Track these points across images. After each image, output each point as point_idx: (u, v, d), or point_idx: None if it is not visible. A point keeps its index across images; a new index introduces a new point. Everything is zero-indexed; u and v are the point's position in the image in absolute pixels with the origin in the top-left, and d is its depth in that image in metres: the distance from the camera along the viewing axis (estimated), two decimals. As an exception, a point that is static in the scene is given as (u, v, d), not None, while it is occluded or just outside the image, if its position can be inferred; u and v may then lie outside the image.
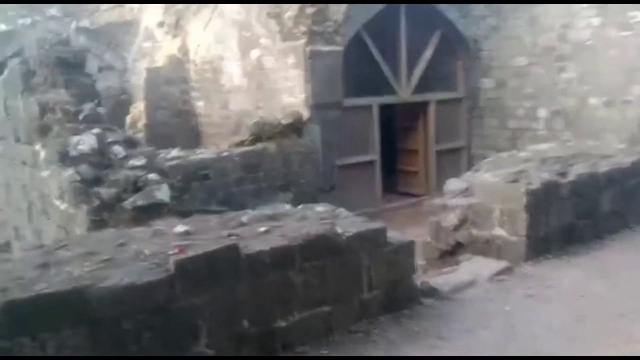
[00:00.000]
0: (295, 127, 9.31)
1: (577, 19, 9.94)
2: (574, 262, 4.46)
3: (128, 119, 12.51)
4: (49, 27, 15.08)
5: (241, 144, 8.77)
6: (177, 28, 12.60)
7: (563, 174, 4.95)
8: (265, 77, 10.20)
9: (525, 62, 10.90)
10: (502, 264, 4.38)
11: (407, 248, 3.66)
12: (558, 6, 10.15)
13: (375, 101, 10.53)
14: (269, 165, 8.85)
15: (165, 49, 12.74)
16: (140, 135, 12.06)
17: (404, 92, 11.07)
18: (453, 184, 5.35)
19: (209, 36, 11.72)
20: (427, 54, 11.34)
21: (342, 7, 9.33)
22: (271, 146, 8.87)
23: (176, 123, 12.41)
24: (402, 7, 10.66)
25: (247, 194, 8.63)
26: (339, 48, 9.40)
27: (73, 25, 15.28)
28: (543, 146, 6.45)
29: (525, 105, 11.03)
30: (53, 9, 15.11)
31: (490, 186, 4.85)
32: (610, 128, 9.68)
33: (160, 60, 12.63)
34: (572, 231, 4.88)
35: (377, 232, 3.51)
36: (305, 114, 9.31)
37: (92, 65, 15.39)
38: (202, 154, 8.31)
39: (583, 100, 10.04)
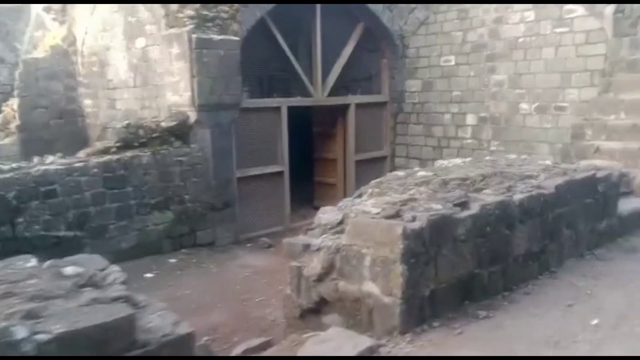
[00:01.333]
0: (180, 132, 7.77)
1: (510, 13, 8.82)
2: (468, 334, 3.15)
3: (-2, 119, 10.64)
4: None
5: (105, 151, 7.16)
6: (63, 14, 10.82)
7: (463, 204, 3.64)
8: (152, 70, 8.61)
9: (454, 62, 9.72)
10: (364, 343, 3.01)
11: (180, 346, 2.23)
12: (489, -2, 9.02)
13: (284, 102, 9.10)
14: (141, 178, 7.28)
15: (49, 37, 10.92)
16: (10, 140, 10.27)
17: (319, 93, 9.69)
18: (326, 215, 3.97)
19: (96, 23, 10.02)
20: (347, 50, 10.01)
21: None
22: (144, 155, 7.30)
23: (58, 125, 10.63)
24: (317, -2, 9.28)
25: (110, 214, 7.04)
26: (235, 38, 7.92)
27: (-48, 9, 13.24)
28: (453, 162, 5.17)
29: (452, 110, 9.85)
30: None
31: (361, 223, 3.49)
32: (543, 138, 8.60)
33: (43, 50, 10.80)
34: (472, 284, 3.58)
35: (112, 328, 2.04)
36: (193, 115, 7.78)
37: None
38: (49, 164, 6.65)
39: (514, 106, 8.93)
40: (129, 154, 7.15)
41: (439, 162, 5.18)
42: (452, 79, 9.80)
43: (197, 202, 7.85)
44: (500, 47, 9.01)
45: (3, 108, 10.72)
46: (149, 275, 6.79)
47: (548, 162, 5.08)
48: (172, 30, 7.75)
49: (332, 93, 9.92)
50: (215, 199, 8.03)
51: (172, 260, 7.30)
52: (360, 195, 4.24)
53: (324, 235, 3.84)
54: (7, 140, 10.35)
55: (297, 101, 9.39)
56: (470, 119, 9.58)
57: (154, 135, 7.51)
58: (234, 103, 8.02)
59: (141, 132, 7.47)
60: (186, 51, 7.53)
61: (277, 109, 9.03)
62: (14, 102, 10.49)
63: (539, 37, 8.48)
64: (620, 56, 7.52)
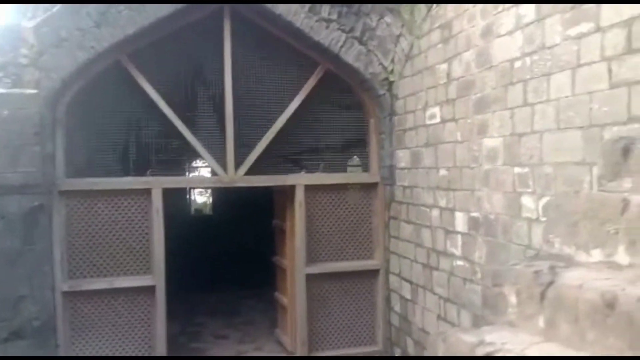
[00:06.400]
0: (-51, 224, 5.45)
1: (501, 15, 4.38)
2: None
3: None
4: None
5: None
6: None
7: None
8: None
9: (439, 118, 5.42)
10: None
11: None
12: (475, -5, 4.72)
13: (156, 183, 6.07)
14: None
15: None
16: None
17: (231, 171, 6.37)
18: None
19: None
20: (293, 105, 6.53)
21: (39, 20, 5.42)
22: None
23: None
24: (227, 20, 6.22)
25: None
26: (32, 91, 5.41)
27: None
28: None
29: (440, 202, 5.43)
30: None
31: None
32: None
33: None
34: None
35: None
36: (-34, 201, 5.42)
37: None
38: None
39: (513, 201, 4.24)
40: None
41: None
42: (438, 148, 5.45)
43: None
44: (491, 82, 4.52)
45: None
46: None
47: None
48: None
49: (264, 170, 6.48)
50: (-9, 325, 5.36)
51: None
52: None
53: None
54: None
55: (184, 181, 6.25)
56: (460, 222, 5.04)
57: None
58: (28, 184, 5.40)
59: None
60: (-50, 111, 5.32)
61: (146, 192, 6.05)
62: None
63: (544, 54, 3.86)
64: None
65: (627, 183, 2.40)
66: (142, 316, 6.07)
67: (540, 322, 2.16)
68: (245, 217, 10.95)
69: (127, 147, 6.18)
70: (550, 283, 2.13)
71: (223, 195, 12.37)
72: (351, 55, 6.35)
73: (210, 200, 13.89)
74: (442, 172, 5.33)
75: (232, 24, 6.23)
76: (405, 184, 6.22)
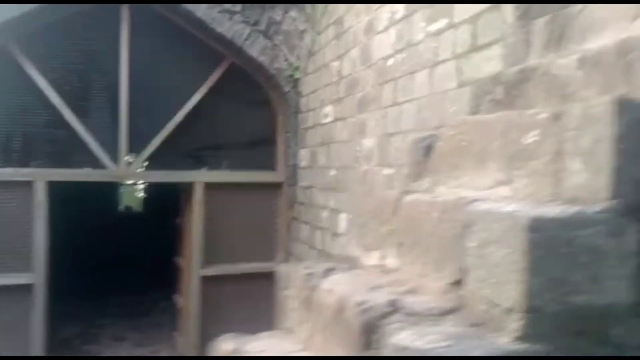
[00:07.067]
0: None
1: (380, 10, 4.25)
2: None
3: None
4: None
5: None
6: None
7: None
8: None
9: (332, 116, 5.26)
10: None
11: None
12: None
13: (40, 176, 5.71)
14: None
15: None
16: None
17: (121, 165, 6.06)
18: None
19: None
20: (195, 97, 6.26)
21: None
22: None
23: None
24: (125, 6, 5.91)
25: None
26: None
27: None
28: None
29: (330, 203, 5.26)
30: None
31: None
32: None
33: None
34: None
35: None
36: None
37: None
38: None
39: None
40: None
41: None
42: (331, 147, 5.29)
43: None
44: (371, 80, 4.38)
45: None
46: None
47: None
48: None
49: (162, 165, 6.20)
50: None
51: None
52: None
53: None
54: None
55: (71, 175, 5.91)
56: (343, 224, 4.89)
57: None
58: None
59: None
60: None
61: (28, 184, 5.69)
62: None
63: (411, 51, 3.73)
64: (530, 65, 2.50)
65: (426, 183, 2.26)
66: (19, 316, 5.69)
67: (306, 329, 1.98)
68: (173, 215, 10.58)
69: (10, 137, 5.80)
70: (316, 287, 1.95)
71: (155, 192, 11.97)
72: (255, 49, 6.14)
73: (143, 196, 13.45)
74: (332, 172, 5.17)
75: (130, 10, 5.93)
76: (305, 184, 6.05)
